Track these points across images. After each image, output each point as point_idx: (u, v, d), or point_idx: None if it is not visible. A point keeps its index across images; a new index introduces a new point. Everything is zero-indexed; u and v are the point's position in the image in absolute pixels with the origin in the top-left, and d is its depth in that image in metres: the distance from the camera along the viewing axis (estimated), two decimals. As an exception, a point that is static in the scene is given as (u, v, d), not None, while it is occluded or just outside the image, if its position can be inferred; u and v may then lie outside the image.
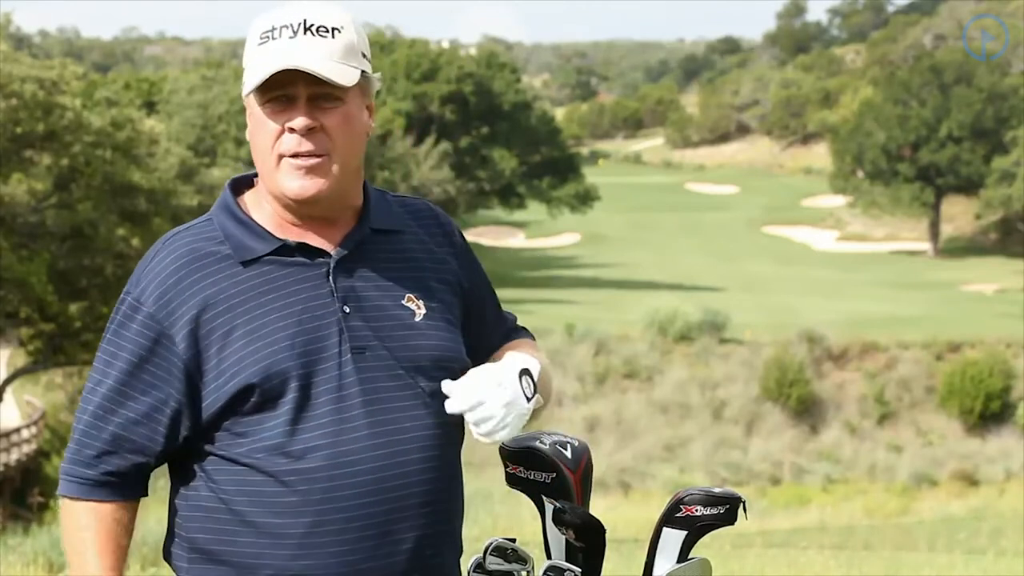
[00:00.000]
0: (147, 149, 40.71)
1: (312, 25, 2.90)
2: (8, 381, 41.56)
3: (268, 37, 2.91)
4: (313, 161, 2.91)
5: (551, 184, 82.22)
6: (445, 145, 74.49)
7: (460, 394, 2.90)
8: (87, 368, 33.23)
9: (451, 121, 79.40)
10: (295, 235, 2.98)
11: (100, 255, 36.79)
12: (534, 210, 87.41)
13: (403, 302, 3.00)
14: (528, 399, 2.92)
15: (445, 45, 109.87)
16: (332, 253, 2.98)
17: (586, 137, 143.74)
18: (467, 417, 2.90)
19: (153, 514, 7.75)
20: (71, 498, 2.94)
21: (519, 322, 3.30)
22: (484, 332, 3.15)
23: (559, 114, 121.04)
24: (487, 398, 2.89)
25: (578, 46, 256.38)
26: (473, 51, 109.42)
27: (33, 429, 41.39)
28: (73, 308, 36.94)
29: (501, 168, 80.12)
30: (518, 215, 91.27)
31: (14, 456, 38.43)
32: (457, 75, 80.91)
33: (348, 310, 2.94)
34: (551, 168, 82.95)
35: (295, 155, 2.91)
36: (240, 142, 59.50)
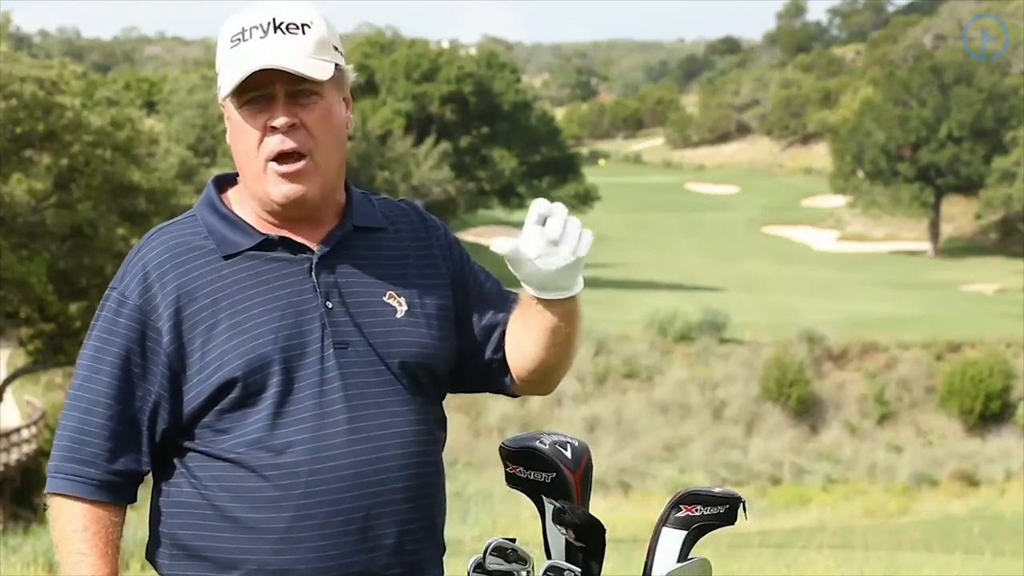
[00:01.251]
0: (147, 149, 40.70)
1: (282, 23, 2.91)
2: (8, 381, 41.52)
3: (239, 39, 2.92)
4: (298, 166, 2.92)
5: (551, 184, 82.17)
6: (445, 145, 74.48)
7: (532, 236, 2.95)
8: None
9: (451, 121, 79.37)
10: (278, 231, 2.99)
11: (100, 255, 36.73)
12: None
13: (385, 299, 3.01)
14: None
15: (445, 45, 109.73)
16: (315, 249, 2.98)
17: (586, 137, 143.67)
18: (561, 247, 3.02)
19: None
20: (70, 497, 2.90)
21: None
22: (490, 305, 3.14)
23: (559, 114, 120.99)
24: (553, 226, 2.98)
25: (578, 46, 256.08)
26: (473, 51, 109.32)
27: (33, 429, 41.40)
28: (73, 308, 36.88)
29: (501, 168, 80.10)
30: (518, 215, 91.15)
31: (14, 456, 38.44)
32: (457, 75, 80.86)
33: (331, 305, 2.95)
34: (551, 168, 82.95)
35: (279, 158, 2.92)
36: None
